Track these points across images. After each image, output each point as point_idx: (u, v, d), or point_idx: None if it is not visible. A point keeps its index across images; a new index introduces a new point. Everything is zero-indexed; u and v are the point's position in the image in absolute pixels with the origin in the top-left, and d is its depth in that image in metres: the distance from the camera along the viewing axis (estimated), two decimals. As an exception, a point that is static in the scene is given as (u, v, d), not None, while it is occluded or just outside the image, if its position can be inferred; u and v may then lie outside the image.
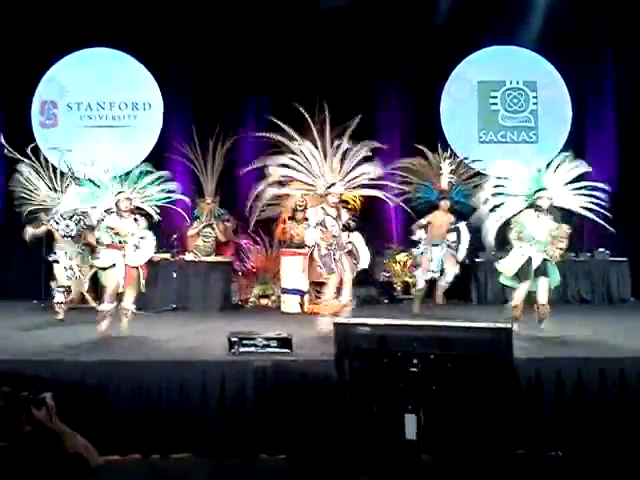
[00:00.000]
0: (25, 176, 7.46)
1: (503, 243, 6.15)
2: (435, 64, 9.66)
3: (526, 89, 10.03)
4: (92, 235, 6.79)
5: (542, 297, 5.87)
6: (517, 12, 9.49)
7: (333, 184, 6.34)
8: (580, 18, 9.49)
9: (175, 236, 8.70)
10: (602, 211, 6.11)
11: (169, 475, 4.40)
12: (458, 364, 2.50)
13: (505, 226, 6.00)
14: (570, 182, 6.06)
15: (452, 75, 9.92)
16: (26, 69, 9.47)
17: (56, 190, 7.44)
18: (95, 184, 6.38)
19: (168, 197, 6.60)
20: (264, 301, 8.60)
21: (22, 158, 7.54)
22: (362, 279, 8.49)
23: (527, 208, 5.94)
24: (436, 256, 7.32)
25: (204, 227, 8.67)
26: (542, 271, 5.84)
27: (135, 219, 6.07)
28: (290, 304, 8.10)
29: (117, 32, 9.47)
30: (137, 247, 5.99)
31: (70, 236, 7.03)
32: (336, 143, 6.56)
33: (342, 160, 6.51)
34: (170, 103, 9.81)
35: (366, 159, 6.58)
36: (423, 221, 7.47)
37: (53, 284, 7.09)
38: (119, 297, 6.03)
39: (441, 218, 7.42)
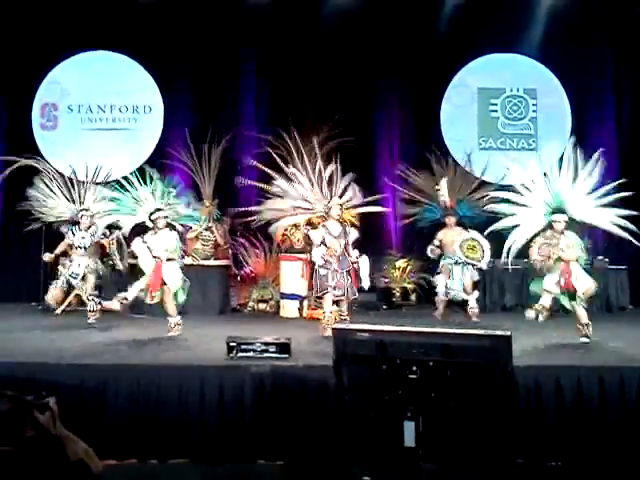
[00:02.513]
0: (42, 189, 7.49)
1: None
2: (436, 71, 9.68)
3: (526, 97, 10.04)
4: (106, 242, 7.01)
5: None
6: (518, 20, 9.52)
7: (331, 198, 6.46)
8: (580, 26, 9.51)
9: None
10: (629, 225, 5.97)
11: (166, 480, 4.39)
12: (457, 371, 2.49)
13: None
14: (591, 192, 6.00)
15: (452, 82, 9.94)
16: (27, 71, 9.48)
17: (74, 201, 7.45)
18: (125, 196, 6.49)
19: (190, 216, 6.72)
20: (262, 306, 8.58)
21: (39, 168, 7.60)
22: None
23: (543, 230, 5.95)
24: (457, 275, 7.34)
25: (203, 230, 8.65)
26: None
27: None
28: (289, 309, 8.10)
29: (118, 35, 9.49)
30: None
31: (83, 247, 7.05)
32: (318, 169, 6.65)
33: (330, 184, 6.63)
34: (171, 106, 9.81)
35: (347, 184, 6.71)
36: (436, 242, 7.49)
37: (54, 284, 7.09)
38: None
39: (451, 234, 7.43)
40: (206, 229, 8.69)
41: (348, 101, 9.16)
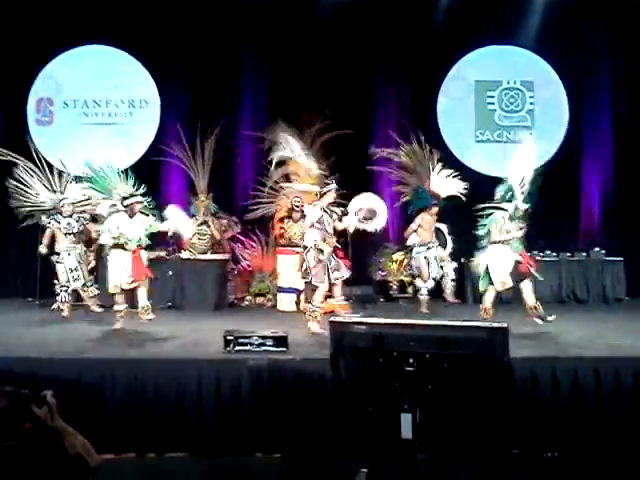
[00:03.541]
0: (20, 178, 7.43)
1: None
2: (432, 63, 9.66)
3: (523, 89, 10.02)
4: (92, 228, 6.90)
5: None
6: (515, 12, 9.49)
7: (329, 185, 6.47)
8: (577, 18, 9.49)
9: (171, 234, 8.66)
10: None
11: (164, 474, 4.40)
12: (454, 363, 2.49)
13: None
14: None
15: (449, 74, 9.91)
16: (22, 66, 9.42)
17: (55, 191, 7.42)
18: (101, 178, 6.45)
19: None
20: (260, 299, 8.59)
21: (17, 159, 7.51)
22: (358, 278, 8.53)
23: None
24: (432, 259, 7.64)
25: (200, 225, 8.64)
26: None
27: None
28: (286, 303, 8.10)
29: (114, 29, 9.43)
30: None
31: (72, 233, 7.04)
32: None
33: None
34: (167, 100, 9.77)
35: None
36: (414, 226, 7.70)
37: (57, 283, 7.10)
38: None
39: (430, 221, 7.71)
40: (202, 223, 8.69)
41: (344, 93, 9.14)
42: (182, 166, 8.95)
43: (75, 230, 7.06)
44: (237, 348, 4.81)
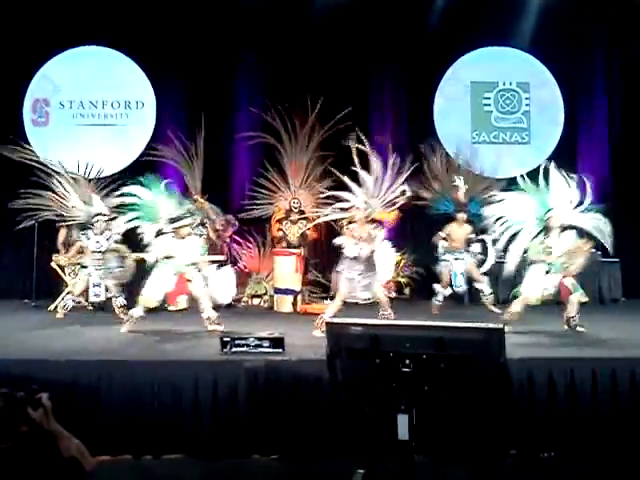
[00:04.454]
0: (59, 191, 7.45)
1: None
2: (429, 64, 9.67)
3: (519, 90, 10.05)
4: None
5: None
6: (511, 13, 9.51)
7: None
8: (573, 19, 9.51)
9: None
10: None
11: (161, 476, 4.39)
12: (451, 364, 2.49)
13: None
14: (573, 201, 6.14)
15: (445, 75, 9.93)
16: (18, 66, 9.40)
17: (85, 202, 7.39)
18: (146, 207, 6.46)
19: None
20: (256, 301, 8.58)
21: (56, 170, 7.58)
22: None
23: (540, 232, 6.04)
24: (459, 271, 7.43)
25: (196, 226, 8.63)
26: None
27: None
28: (283, 304, 8.09)
29: (110, 30, 9.42)
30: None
31: (99, 252, 7.00)
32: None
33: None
34: (163, 102, 9.77)
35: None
36: (442, 234, 7.56)
37: (69, 293, 7.14)
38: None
39: (459, 230, 7.51)
40: (199, 224, 8.67)
41: (340, 95, 9.14)
42: (178, 167, 8.94)
43: (103, 249, 6.99)
44: (234, 350, 4.80)
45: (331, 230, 8.81)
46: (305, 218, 8.64)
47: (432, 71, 9.80)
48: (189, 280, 6.22)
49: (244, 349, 4.80)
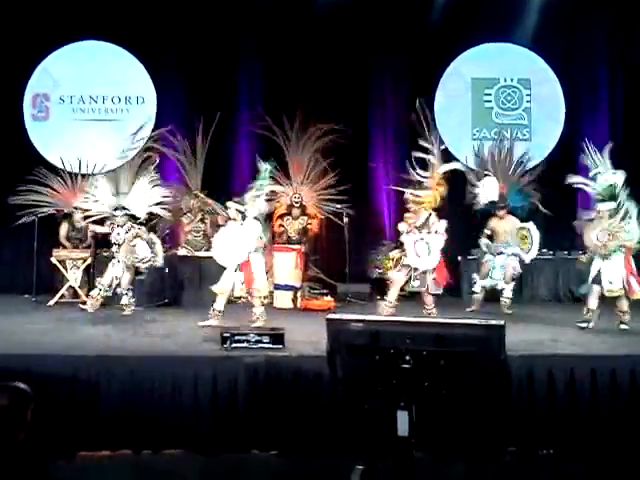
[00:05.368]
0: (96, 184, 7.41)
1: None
2: (430, 60, 9.64)
3: (520, 87, 10.02)
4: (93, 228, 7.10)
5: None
6: (512, 9, 9.48)
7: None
8: (574, 16, 9.48)
9: (167, 231, 8.66)
10: None
11: (160, 471, 4.39)
12: (451, 361, 2.49)
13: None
14: None
15: (447, 71, 9.90)
16: (18, 61, 9.37)
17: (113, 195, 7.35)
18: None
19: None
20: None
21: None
22: (354, 276, 8.53)
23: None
24: (499, 264, 7.39)
25: (196, 221, 8.66)
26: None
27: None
28: (283, 300, 8.08)
29: (111, 25, 9.39)
30: None
31: (117, 244, 7.04)
32: None
33: None
34: (163, 97, 9.75)
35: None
36: (487, 231, 7.55)
37: (99, 282, 7.11)
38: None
39: (503, 224, 7.48)
40: (200, 220, 8.69)
41: (341, 90, 9.14)
42: (178, 162, 8.94)
43: (121, 241, 7.03)
44: (234, 345, 4.81)
45: (331, 226, 8.86)
46: (307, 214, 8.66)
47: (433, 67, 9.78)
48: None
49: (244, 345, 4.81)
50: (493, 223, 7.54)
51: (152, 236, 7.13)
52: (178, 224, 8.69)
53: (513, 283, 7.43)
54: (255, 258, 6.24)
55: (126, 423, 4.48)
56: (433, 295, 6.62)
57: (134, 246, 6.95)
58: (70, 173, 8.23)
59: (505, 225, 7.46)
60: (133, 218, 7.15)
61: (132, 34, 9.50)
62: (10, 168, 8.60)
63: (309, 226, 8.57)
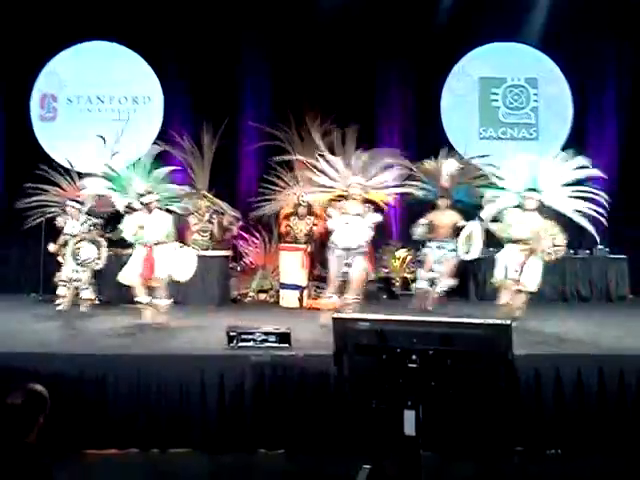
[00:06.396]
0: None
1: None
2: (437, 59, 9.64)
3: (527, 86, 10.00)
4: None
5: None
6: (519, 9, 9.46)
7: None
8: (582, 15, 9.45)
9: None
10: (599, 216, 6.13)
11: (168, 470, 4.41)
12: (457, 360, 2.49)
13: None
14: (569, 184, 6.06)
15: (453, 70, 9.89)
16: (26, 62, 9.43)
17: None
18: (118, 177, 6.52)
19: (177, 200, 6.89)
20: (262, 296, 8.59)
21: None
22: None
23: (514, 207, 6.00)
24: (438, 257, 7.26)
25: (203, 222, 8.67)
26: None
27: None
28: (289, 299, 8.09)
29: (117, 26, 9.44)
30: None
31: (72, 235, 7.04)
32: (355, 155, 6.75)
33: (363, 168, 6.64)
34: (170, 96, 9.77)
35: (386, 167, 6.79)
36: (424, 220, 7.38)
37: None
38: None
39: (443, 217, 7.31)
40: (208, 220, 8.70)
41: (347, 89, 9.13)
42: (185, 162, 8.95)
43: (74, 232, 7.04)
44: (240, 344, 4.81)
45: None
46: (313, 213, 8.65)
47: (440, 66, 9.77)
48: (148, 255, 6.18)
49: (250, 344, 4.81)
50: (432, 216, 7.36)
51: (99, 238, 7.07)
52: (185, 224, 8.70)
53: (453, 281, 7.27)
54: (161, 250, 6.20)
55: (133, 422, 4.49)
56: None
57: (78, 249, 6.95)
58: (78, 173, 8.24)
59: (444, 219, 7.27)
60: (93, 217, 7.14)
61: (139, 35, 9.54)
62: (17, 169, 8.64)
63: (315, 226, 8.57)
